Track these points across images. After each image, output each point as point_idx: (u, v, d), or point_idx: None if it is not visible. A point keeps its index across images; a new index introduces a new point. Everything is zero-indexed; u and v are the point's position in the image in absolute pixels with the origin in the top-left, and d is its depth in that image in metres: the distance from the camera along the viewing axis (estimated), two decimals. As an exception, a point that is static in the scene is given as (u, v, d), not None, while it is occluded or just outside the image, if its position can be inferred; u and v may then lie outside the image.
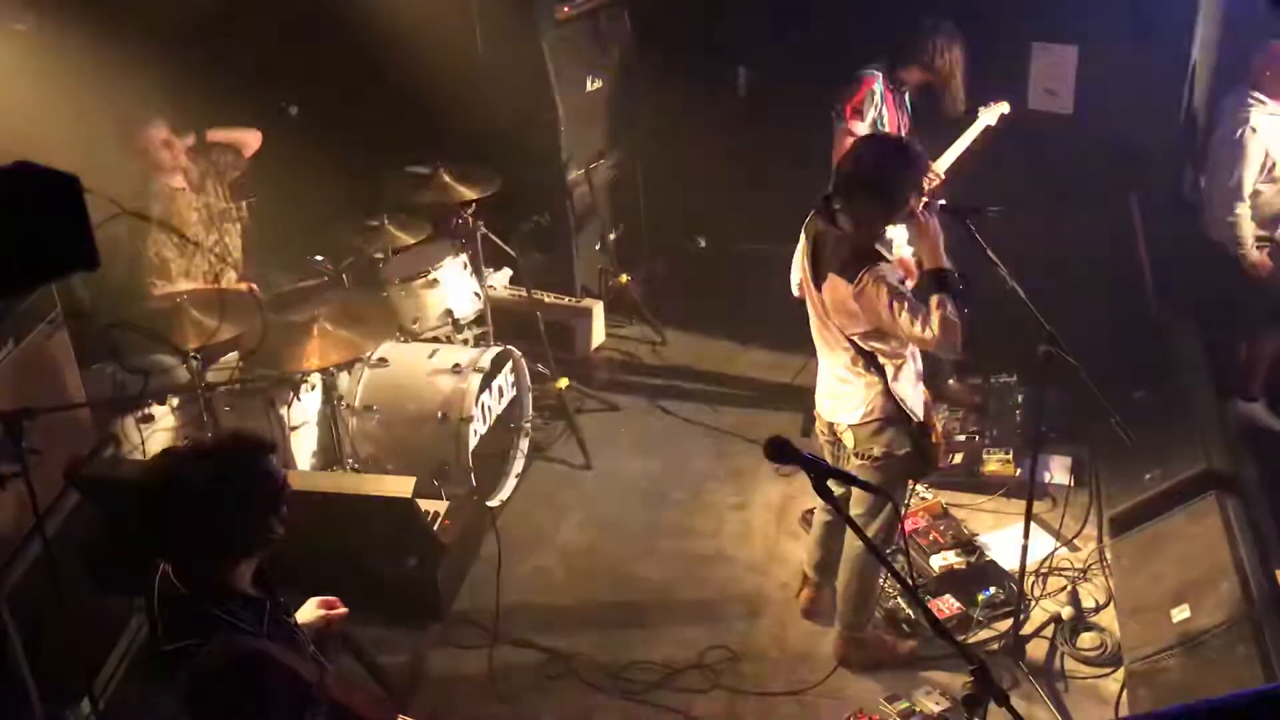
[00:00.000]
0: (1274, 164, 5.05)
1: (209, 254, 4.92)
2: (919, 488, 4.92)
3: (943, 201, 3.76)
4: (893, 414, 3.75)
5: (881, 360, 3.68)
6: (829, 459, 4.05)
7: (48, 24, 4.74)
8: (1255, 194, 5.09)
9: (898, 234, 4.71)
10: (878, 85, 4.99)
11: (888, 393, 3.71)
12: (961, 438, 5.14)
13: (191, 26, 5.40)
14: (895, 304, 3.45)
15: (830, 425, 3.95)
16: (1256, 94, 5.04)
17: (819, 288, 3.67)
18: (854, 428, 3.82)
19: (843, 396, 3.83)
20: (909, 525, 4.66)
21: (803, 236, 3.80)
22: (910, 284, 3.71)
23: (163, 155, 4.82)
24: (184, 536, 2.39)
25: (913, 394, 3.77)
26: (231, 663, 2.30)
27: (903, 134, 5.09)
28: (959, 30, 5.03)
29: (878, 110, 4.99)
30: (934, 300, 3.47)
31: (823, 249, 3.66)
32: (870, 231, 3.59)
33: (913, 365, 3.77)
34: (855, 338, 3.66)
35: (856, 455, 3.85)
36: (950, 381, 5.31)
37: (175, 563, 2.42)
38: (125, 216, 3.47)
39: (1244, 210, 5.07)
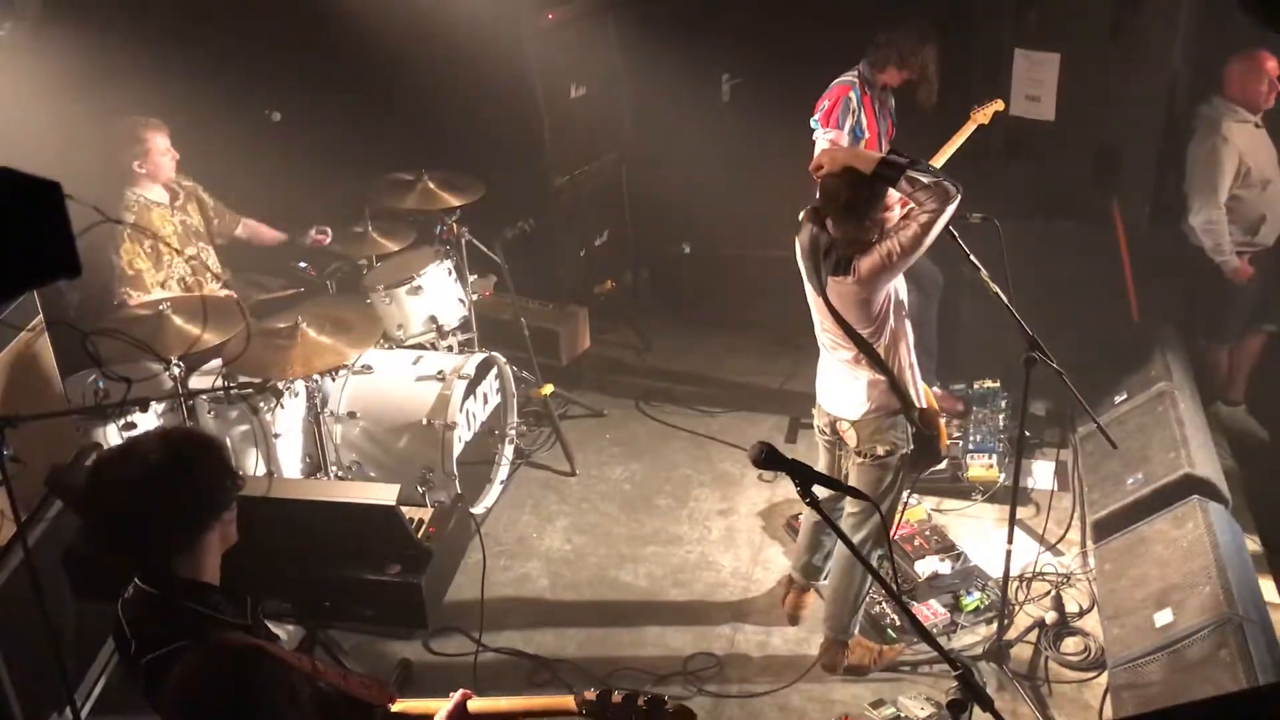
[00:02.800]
0: (1249, 170, 5.09)
1: (187, 263, 4.89)
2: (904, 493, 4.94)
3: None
4: (896, 410, 3.76)
5: (883, 354, 3.69)
6: (828, 457, 4.06)
7: (28, 29, 4.71)
8: (1234, 199, 5.13)
9: None
10: (854, 93, 5.01)
11: (891, 389, 3.73)
12: (945, 443, 5.16)
13: (173, 33, 5.38)
14: (891, 239, 3.49)
15: (832, 422, 3.95)
16: (1228, 103, 5.08)
17: (822, 292, 3.69)
18: (856, 424, 3.83)
19: (846, 392, 3.83)
20: (894, 531, 4.67)
21: (797, 239, 3.81)
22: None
23: (163, 161, 4.77)
24: (137, 524, 2.29)
25: (914, 381, 3.79)
26: (229, 658, 2.19)
27: (883, 139, 5.12)
28: (931, 27, 5.06)
29: (855, 118, 5.00)
30: (907, 185, 3.48)
31: (818, 253, 3.68)
32: (860, 242, 3.59)
33: (909, 355, 3.78)
34: (862, 333, 3.67)
35: (858, 454, 3.86)
36: (934, 388, 5.33)
37: (138, 562, 2.36)
38: (100, 225, 3.42)
39: (1221, 218, 5.11)
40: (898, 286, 3.67)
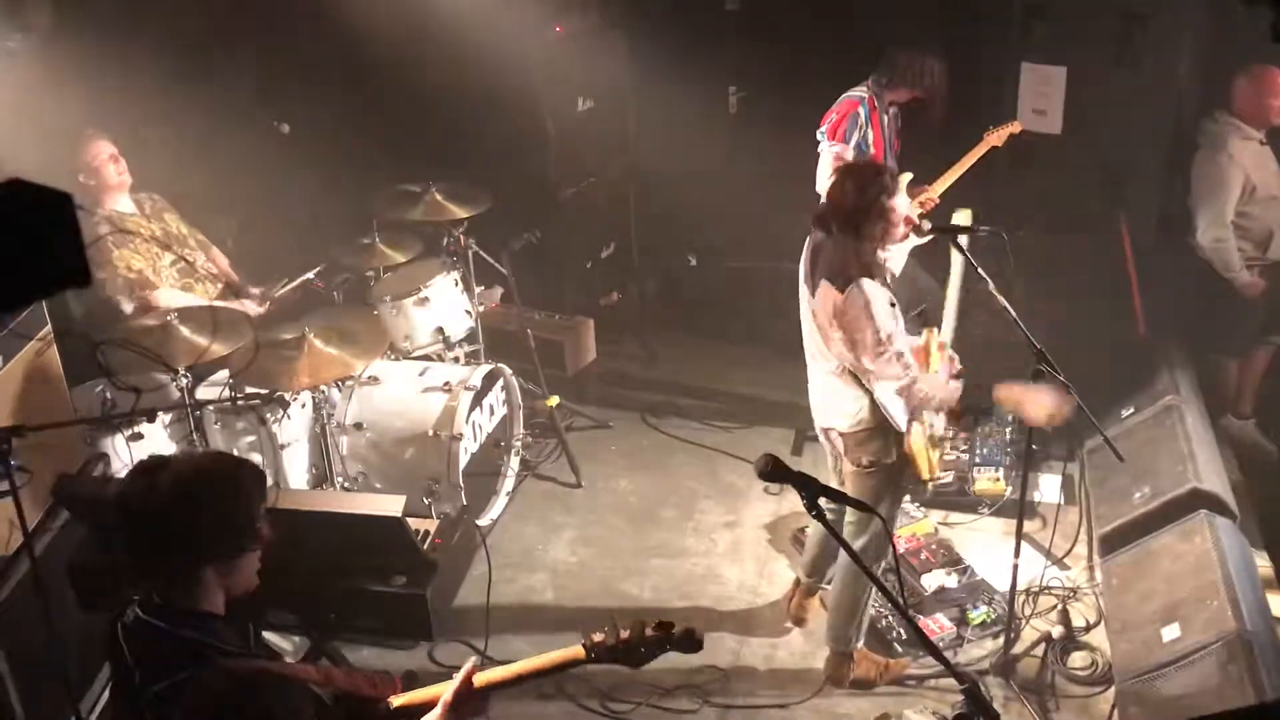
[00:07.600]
0: (1255, 188, 5.07)
1: (172, 266, 4.87)
2: (911, 507, 4.93)
3: (929, 224, 3.78)
4: (881, 423, 3.77)
5: (861, 377, 3.70)
6: (831, 462, 4.07)
7: (38, 39, 4.74)
8: (1242, 215, 5.11)
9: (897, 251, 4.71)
10: (862, 108, 5.00)
11: (875, 402, 3.73)
12: (951, 456, 5.15)
13: (183, 45, 5.41)
14: (870, 331, 3.52)
15: (825, 431, 3.99)
16: (1233, 119, 5.07)
17: (814, 293, 3.70)
18: (844, 435, 3.85)
19: (833, 404, 3.86)
20: (900, 545, 4.67)
21: (807, 242, 3.82)
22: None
23: (108, 170, 4.73)
24: (154, 542, 2.27)
25: (894, 402, 3.76)
26: (232, 687, 2.19)
27: (889, 156, 5.12)
28: (941, 45, 5.06)
29: (861, 133, 5.00)
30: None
31: (820, 254, 3.71)
32: (858, 250, 3.60)
33: (889, 391, 3.75)
34: (838, 350, 3.68)
35: (850, 461, 3.89)
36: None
37: (148, 583, 2.33)
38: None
39: (1228, 236, 5.09)
40: (891, 333, 3.63)
